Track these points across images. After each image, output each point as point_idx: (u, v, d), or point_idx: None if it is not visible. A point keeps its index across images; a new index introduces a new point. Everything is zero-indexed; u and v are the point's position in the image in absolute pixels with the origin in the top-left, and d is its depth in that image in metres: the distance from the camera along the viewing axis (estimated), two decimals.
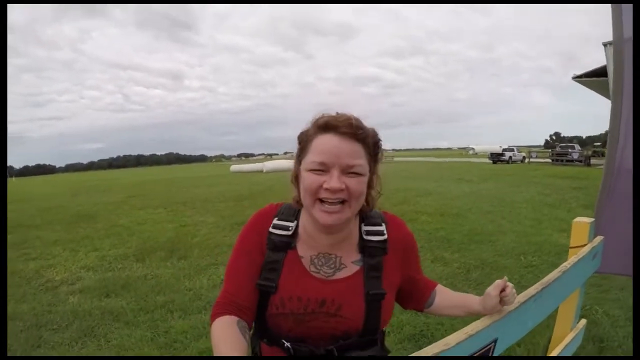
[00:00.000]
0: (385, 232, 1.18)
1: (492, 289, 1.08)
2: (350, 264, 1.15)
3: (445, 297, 1.28)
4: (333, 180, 1.00)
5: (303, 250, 1.15)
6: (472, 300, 1.17)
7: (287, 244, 1.14)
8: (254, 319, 1.14)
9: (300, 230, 1.17)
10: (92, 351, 3.49)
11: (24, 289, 5.30)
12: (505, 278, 1.11)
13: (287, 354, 1.12)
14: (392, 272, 1.18)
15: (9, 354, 3.44)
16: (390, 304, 1.18)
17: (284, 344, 1.12)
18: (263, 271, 1.13)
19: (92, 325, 4.01)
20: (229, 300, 1.09)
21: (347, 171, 1.02)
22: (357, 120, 1.05)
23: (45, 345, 3.61)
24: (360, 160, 1.04)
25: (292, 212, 1.19)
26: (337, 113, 1.06)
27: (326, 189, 1.01)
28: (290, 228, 1.16)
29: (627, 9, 1.98)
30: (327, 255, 1.15)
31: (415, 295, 1.29)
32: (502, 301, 1.08)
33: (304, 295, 1.10)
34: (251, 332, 1.13)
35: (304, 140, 1.09)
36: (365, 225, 1.18)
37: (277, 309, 1.10)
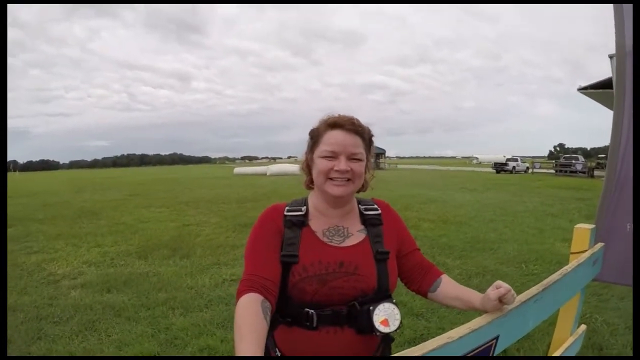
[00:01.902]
0: (378, 208, 1.45)
1: (492, 293, 1.15)
2: (356, 233, 1.38)
3: (449, 288, 1.39)
4: (342, 164, 1.28)
5: (315, 226, 1.36)
6: (474, 297, 1.26)
7: (302, 222, 1.35)
8: (277, 295, 1.23)
9: (310, 210, 1.39)
10: (93, 345, 3.50)
11: (25, 281, 5.33)
12: (497, 282, 1.18)
13: (309, 323, 1.24)
14: (389, 239, 1.39)
15: (8, 345, 3.45)
16: (394, 265, 1.38)
17: (308, 312, 1.25)
18: (284, 246, 1.30)
19: (93, 320, 4.02)
20: (254, 277, 1.20)
21: (351, 157, 1.30)
22: (357, 120, 1.34)
23: (45, 338, 3.62)
24: (360, 149, 1.33)
25: (301, 201, 1.43)
26: (340, 115, 1.34)
27: (336, 171, 1.28)
28: (302, 210, 1.38)
29: (629, 21, 2.00)
30: (336, 227, 1.37)
31: (417, 275, 1.44)
32: (501, 302, 1.16)
33: (323, 259, 1.28)
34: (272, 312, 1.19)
35: (316, 135, 1.35)
36: (361, 205, 1.44)
37: (300, 275, 1.26)
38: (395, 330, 1.25)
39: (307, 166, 1.40)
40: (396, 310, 1.25)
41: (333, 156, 1.29)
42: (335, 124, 1.31)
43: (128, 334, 3.68)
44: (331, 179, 1.29)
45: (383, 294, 1.29)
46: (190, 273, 5.63)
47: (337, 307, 1.26)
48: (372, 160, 1.44)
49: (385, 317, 1.22)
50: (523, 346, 3.23)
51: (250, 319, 1.04)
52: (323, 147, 1.31)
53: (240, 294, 1.14)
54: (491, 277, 5.21)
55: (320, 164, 1.30)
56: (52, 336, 3.65)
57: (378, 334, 1.22)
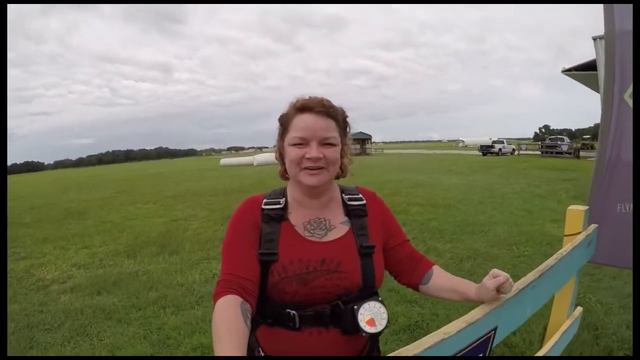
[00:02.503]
0: (363, 198, 1.37)
1: (490, 283, 1.11)
2: (339, 225, 1.29)
3: (441, 279, 1.32)
4: (313, 151, 1.19)
5: (295, 219, 1.28)
6: (468, 288, 1.21)
7: (281, 215, 1.27)
8: (257, 295, 1.17)
9: (289, 202, 1.31)
10: (85, 350, 3.45)
11: (14, 288, 5.23)
12: (494, 270, 1.14)
13: (291, 324, 1.18)
14: (375, 231, 1.32)
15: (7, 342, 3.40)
16: (380, 260, 1.30)
17: (289, 313, 1.18)
18: (262, 243, 1.22)
19: (84, 324, 3.96)
20: (231, 277, 1.13)
21: (323, 142, 1.21)
22: (328, 101, 1.24)
23: (37, 347, 3.55)
24: (333, 133, 1.23)
25: (279, 191, 1.35)
26: (310, 97, 1.24)
27: (308, 159, 1.19)
28: (280, 202, 1.29)
29: (619, 4, 1.99)
30: (317, 219, 1.29)
31: (407, 268, 1.37)
32: (499, 291, 1.12)
33: (304, 257, 1.20)
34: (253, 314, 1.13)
35: (285, 121, 1.27)
36: (345, 194, 1.36)
37: (280, 275, 1.18)
38: (383, 330, 1.17)
39: (280, 155, 1.32)
40: (383, 309, 1.18)
41: (303, 143, 1.20)
42: (303, 107, 1.22)
43: (120, 337, 3.62)
44: (304, 168, 1.21)
45: (368, 291, 1.22)
46: (180, 269, 5.58)
47: (320, 306, 1.19)
48: (350, 143, 1.35)
49: (371, 316, 1.16)
50: (519, 329, 3.23)
51: (228, 319, 0.98)
52: (292, 134, 1.22)
53: (217, 296, 1.08)
54: (482, 260, 5.24)
55: (291, 153, 1.22)
56: (44, 344, 3.59)
57: (364, 334, 1.15)
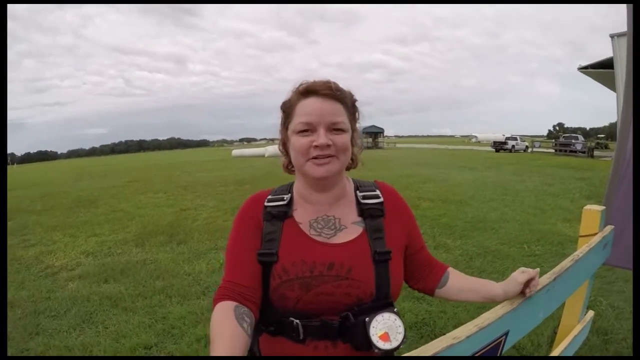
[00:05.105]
0: (380, 195, 1.20)
1: (520, 276, 1.10)
2: (351, 225, 1.15)
3: (459, 280, 1.24)
4: (321, 138, 1.06)
5: (300, 216, 1.15)
6: (490, 285, 1.16)
7: (284, 212, 1.15)
8: (259, 301, 1.08)
9: (295, 198, 1.19)
10: (90, 338, 3.45)
11: (23, 275, 5.28)
12: (538, 270, 1.14)
13: (295, 334, 1.06)
14: (392, 234, 1.16)
15: (7, 342, 3.40)
16: (398, 267, 1.16)
17: (292, 322, 1.05)
18: (262, 243, 1.12)
19: (91, 312, 3.97)
20: (229, 285, 1.05)
21: (332, 128, 1.08)
22: (334, 83, 1.10)
23: (43, 333, 3.57)
24: (342, 118, 1.10)
25: (285, 187, 1.22)
26: (315, 80, 1.11)
27: (316, 146, 1.06)
28: (285, 198, 1.17)
29: None
30: (325, 217, 1.15)
31: (422, 272, 1.26)
32: (525, 291, 1.10)
33: (308, 258, 1.08)
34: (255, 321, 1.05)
35: (288, 108, 1.14)
36: (360, 191, 1.21)
37: (281, 278, 1.06)
38: (399, 346, 1.01)
39: (284, 146, 1.19)
40: (398, 322, 1.02)
41: (310, 129, 1.07)
42: (307, 90, 1.09)
43: (125, 325, 3.63)
44: (311, 158, 1.08)
45: (383, 302, 1.07)
46: (188, 259, 5.59)
47: (328, 317, 1.05)
48: (360, 132, 1.21)
49: (385, 330, 1.00)
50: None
51: (222, 323, 0.93)
52: (297, 120, 1.09)
53: (214, 302, 1.02)
54: (492, 258, 5.14)
55: (296, 142, 1.09)
56: (50, 331, 3.61)
57: (377, 350, 0.99)
